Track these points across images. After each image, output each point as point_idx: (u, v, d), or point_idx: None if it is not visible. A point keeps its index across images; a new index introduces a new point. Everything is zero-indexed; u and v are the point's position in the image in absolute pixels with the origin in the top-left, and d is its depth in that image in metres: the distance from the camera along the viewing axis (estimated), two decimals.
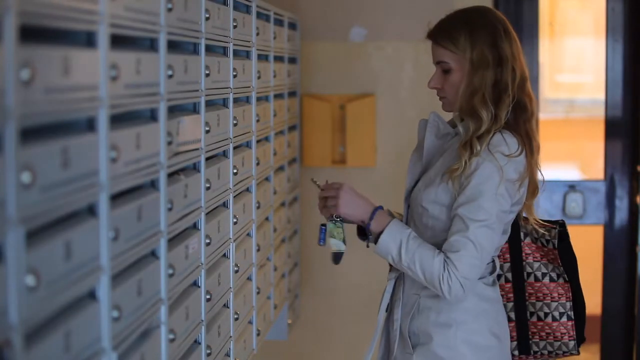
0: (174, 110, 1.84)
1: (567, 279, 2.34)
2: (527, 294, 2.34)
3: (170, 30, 1.73)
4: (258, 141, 2.66)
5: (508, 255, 2.36)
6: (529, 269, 2.34)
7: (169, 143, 1.72)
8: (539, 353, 2.37)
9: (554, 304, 2.35)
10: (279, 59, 3.04)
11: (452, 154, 2.22)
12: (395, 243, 2.17)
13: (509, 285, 2.36)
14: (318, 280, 3.82)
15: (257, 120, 2.62)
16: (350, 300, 3.81)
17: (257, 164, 2.63)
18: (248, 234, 2.55)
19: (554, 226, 2.33)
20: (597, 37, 3.99)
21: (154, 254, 1.68)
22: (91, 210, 1.37)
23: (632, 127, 3.78)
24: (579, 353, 2.38)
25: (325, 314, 3.83)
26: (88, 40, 1.36)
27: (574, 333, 2.36)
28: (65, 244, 1.25)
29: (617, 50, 3.80)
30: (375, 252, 2.23)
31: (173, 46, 1.79)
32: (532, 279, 2.35)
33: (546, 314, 2.35)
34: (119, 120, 1.46)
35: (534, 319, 2.36)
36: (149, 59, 1.61)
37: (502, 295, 2.33)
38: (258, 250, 2.67)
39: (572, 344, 2.36)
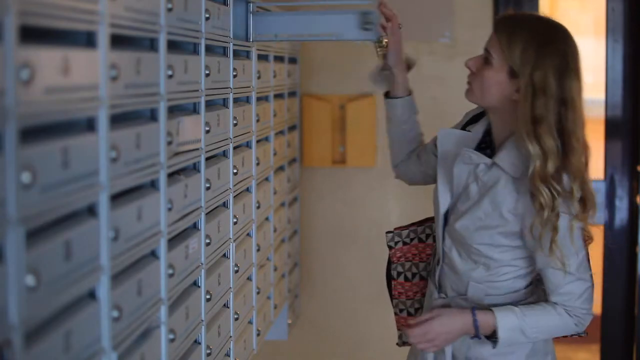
0: (174, 110, 1.84)
1: None
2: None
3: (170, 30, 1.73)
4: (258, 141, 2.66)
5: None
6: None
7: (169, 143, 1.72)
8: None
9: None
10: (279, 59, 3.04)
11: (504, 193, 2.11)
12: (516, 332, 2.14)
13: None
14: (318, 280, 3.82)
15: (257, 120, 2.62)
16: (350, 300, 3.81)
17: (257, 164, 2.63)
18: (248, 234, 2.55)
19: None
20: (597, 37, 3.99)
21: (154, 254, 1.68)
22: (91, 210, 1.37)
23: (632, 127, 3.78)
24: (586, 334, 2.36)
25: (325, 314, 3.83)
26: (88, 40, 1.37)
27: None
28: (65, 244, 1.25)
29: (617, 50, 3.80)
30: (498, 347, 2.17)
31: (173, 46, 1.79)
32: None
33: None
34: (119, 120, 1.46)
35: None
36: (149, 59, 1.61)
37: None
38: (258, 250, 2.67)
39: None
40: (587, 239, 2.18)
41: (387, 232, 2.50)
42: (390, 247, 2.50)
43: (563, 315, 2.14)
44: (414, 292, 2.50)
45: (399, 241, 2.48)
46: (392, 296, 2.52)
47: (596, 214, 2.16)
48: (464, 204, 2.20)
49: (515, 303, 2.18)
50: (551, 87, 2.03)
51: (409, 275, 2.50)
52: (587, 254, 2.19)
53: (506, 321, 2.13)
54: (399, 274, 2.51)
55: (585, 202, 2.11)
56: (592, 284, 2.17)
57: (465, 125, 2.33)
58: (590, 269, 2.17)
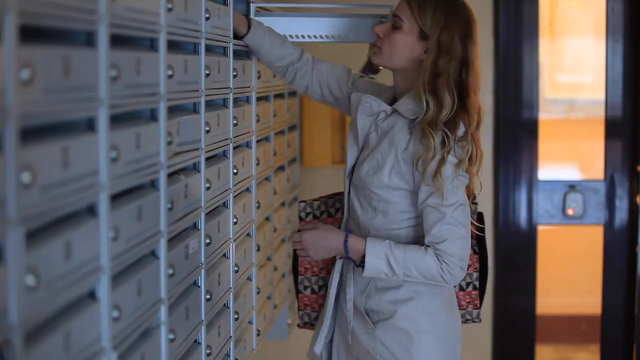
0: (174, 110, 1.84)
1: (476, 250, 2.41)
2: None
3: (170, 30, 1.73)
4: (258, 141, 2.66)
5: None
6: None
7: (169, 143, 1.72)
8: None
9: None
10: None
11: (399, 135, 2.22)
12: (382, 260, 2.19)
13: None
14: None
15: (257, 120, 2.62)
16: None
17: (257, 164, 2.63)
18: (248, 234, 2.55)
19: (475, 202, 2.39)
20: (597, 37, 3.99)
21: (154, 254, 1.68)
22: (91, 210, 1.37)
23: (632, 127, 3.79)
24: (480, 321, 2.46)
25: None
26: (88, 40, 1.37)
27: (479, 302, 2.44)
28: (65, 244, 1.25)
29: (617, 50, 3.80)
30: (366, 275, 2.23)
31: (173, 46, 1.79)
32: None
33: None
34: (119, 120, 1.46)
35: None
36: (149, 59, 1.61)
37: None
38: (258, 250, 2.67)
39: (475, 312, 2.45)
40: (470, 195, 2.26)
41: (300, 202, 2.54)
42: (300, 219, 2.53)
43: (431, 257, 2.16)
44: (319, 268, 2.53)
45: (309, 213, 2.52)
46: (297, 272, 2.54)
47: (479, 171, 2.27)
48: (365, 152, 2.30)
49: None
50: (456, 48, 2.22)
51: None
52: (469, 210, 2.22)
53: (375, 248, 2.20)
54: None
55: (472, 156, 2.22)
56: (468, 240, 2.19)
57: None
58: (468, 226, 2.20)
